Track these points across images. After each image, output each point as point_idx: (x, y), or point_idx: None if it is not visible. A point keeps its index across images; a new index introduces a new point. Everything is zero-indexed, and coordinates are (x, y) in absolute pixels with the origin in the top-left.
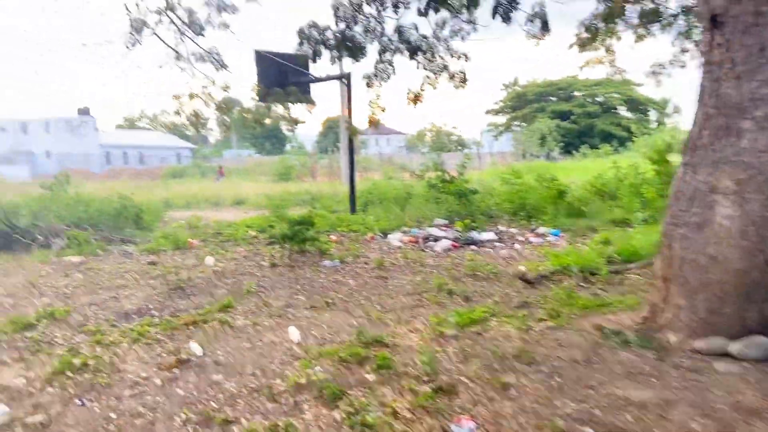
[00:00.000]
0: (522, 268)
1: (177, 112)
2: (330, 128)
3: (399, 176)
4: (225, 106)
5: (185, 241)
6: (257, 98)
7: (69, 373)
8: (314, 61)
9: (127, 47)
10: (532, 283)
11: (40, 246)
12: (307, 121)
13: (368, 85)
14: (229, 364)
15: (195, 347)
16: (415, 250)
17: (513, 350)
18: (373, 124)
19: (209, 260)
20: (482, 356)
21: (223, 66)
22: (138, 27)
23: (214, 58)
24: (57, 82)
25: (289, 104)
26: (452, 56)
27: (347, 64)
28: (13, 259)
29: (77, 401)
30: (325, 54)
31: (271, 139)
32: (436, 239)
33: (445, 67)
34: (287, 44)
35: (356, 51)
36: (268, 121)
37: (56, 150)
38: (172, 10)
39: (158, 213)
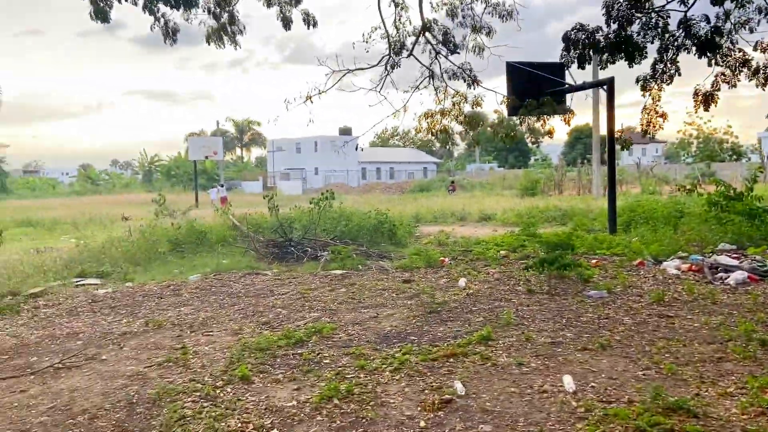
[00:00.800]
0: None
1: (428, 130)
2: (578, 139)
3: (660, 190)
4: (473, 122)
5: (437, 259)
6: (508, 111)
7: (336, 401)
8: (582, 67)
9: (387, 70)
10: None
11: (309, 258)
12: (556, 132)
13: (644, 88)
14: (497, 412)
15: (459, 387)
16: (699, 282)
17: None
18: (648, 133)
19: (462, 282)
20: None
21: (476, 81)
22: (397, 49)
23: (466, 74)
24: (320, 104)
25: (544, 116)
26: (756, 49)
27: (603, 69)
28: (287, 269)
29: None
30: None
31: (514, 152)
32: (726, 269)
33: (746, 62)
34: (538, 54)
35: (633, 52)
36: (518, 134)
37: (323, 167)
38: (429, 30)
39: (410, 228)
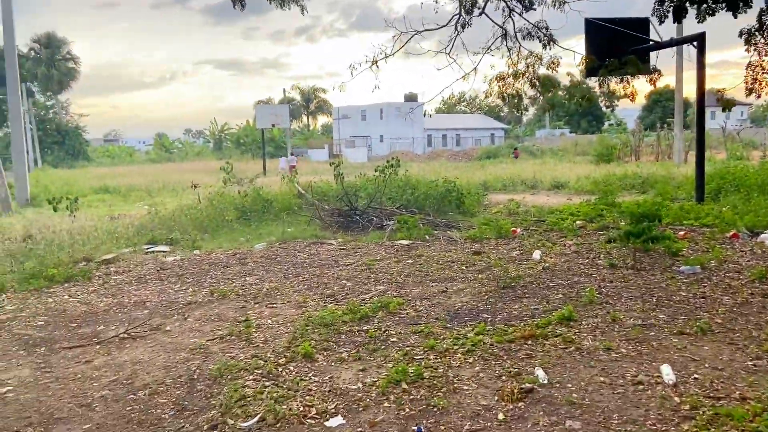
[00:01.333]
0: None
1: (499, 94)
2: (656, 102)
3: (747, 155)
4: (548, 84)
5: (508, 230)
6: (585, 72)
7: (404, 385)
8: (678, 20)
9: (457, 30)
10: None
11: (374, 227)
12: (638, 95)
13: (748, 42)
14: (585, 406)
15: (541, 374)
16: None
17: None
18: (754, 92)
19: (536, 254)
20: None
21: (552, 41)
22: (468, 7)
23: (542, 33)
24: (386, 70)
25: (627, 76)
26: None
27: (701, 22)
28: (352, 238)
29: (414, 429)
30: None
31: (587, 117)
32: None
33: None
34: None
35: (738, 1)
36: (595, 98)
37: (388, 134)
38: None
39: (478, 197)
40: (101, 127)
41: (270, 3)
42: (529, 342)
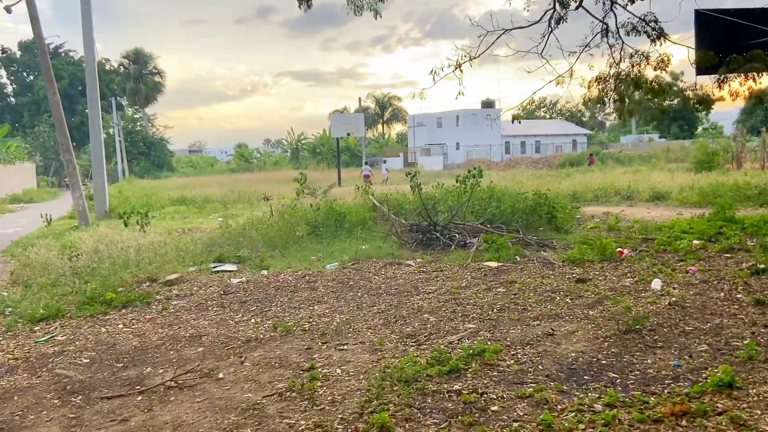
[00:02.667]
0: None
1: (598, 99)
2: (757, 104)
3: None
4: (658, 87)
5: (613, 251)
6: (698, 70)
7: None
8: None
9: (551, 27)
10: None
11: (457, 246)
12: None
13: None
14: None
15: None
16: None
17: None
18: None
19: (656, 284)
20: None
21: (662, 36)
22: (564, 0)
23: (650, 27)
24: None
25: (753, 73)
26: None
27: None
28: (433, 258)
29: None
30: None
31: (678, 121)
32: None
33: None
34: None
35: None
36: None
37: (464, 141)
38: None
39: (572, 210)
40: (187, 139)
41: (348, 10)
42: (683, 422)
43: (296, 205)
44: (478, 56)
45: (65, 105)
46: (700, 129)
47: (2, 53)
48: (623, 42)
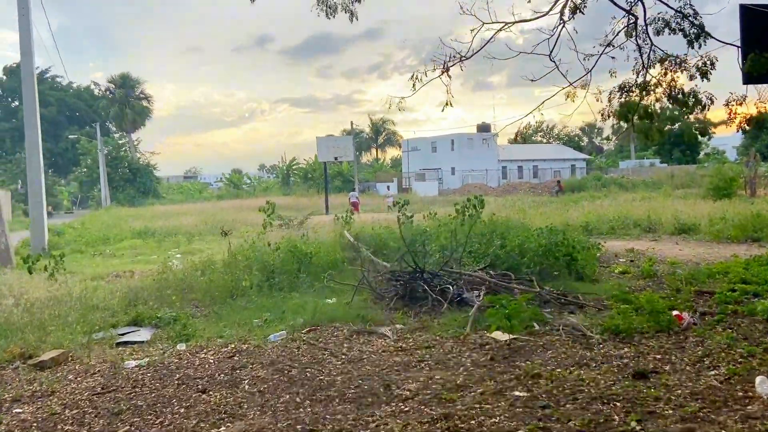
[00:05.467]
0: None
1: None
2: (761, 127)
3: None
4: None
5: (668, 316)
6: (745, 77)
7: None
8: None
9: (561, 19)
10: None
11: (451, 303)
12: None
13: None
14: None
15: None
16: None
17: None
18: None
19: (763, 385)
20: None
21: (704, 34)
22: None
23: (688, 22)
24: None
25: None
26: None
27: None
28: (417, 322)
29: None
30: None
31: (680, 146)
32: None
33: None
34: None
35: None
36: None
37: (460, 166)
38: None
39: (593, 250)
40: (184, 165)
41: (318, 12)
42: None
43: (256, 242)
44: (471, 57)
45: (50, 131)
46: (702, 154)
47: None
48: (652, 43)
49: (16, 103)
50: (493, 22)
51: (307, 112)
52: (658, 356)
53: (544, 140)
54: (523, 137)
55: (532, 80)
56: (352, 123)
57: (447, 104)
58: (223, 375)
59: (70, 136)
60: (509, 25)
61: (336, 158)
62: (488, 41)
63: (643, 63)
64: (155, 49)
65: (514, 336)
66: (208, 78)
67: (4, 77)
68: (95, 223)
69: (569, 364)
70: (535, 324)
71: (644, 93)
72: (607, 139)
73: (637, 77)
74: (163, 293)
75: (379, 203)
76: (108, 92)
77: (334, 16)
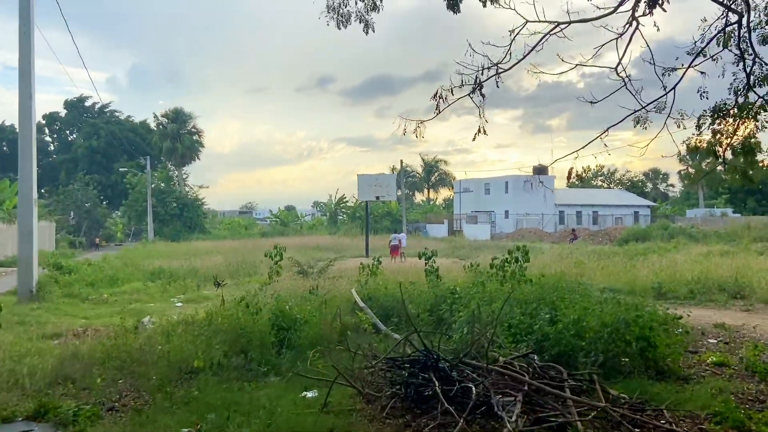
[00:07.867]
0: None
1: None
2: None
3: None
4: None
5: None
6: None
7: None
8: None
9: (633, 17)
10: None
11: (472, 412)
12: None
13: None
14: None
15: None
16: None
17: None
18: None
19: None
20: None
21: None
22: None
23: None
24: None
25: None
26: None
27: None
28: None
29: None
30: None
31: (755, 195)
32: None
33: None
34: None
35: None
36: None
37: (514, 210)
38: None
39: (679, 336)
40: (243, 200)
41: (327, 21)
42: None
43: (247, 298)
44: (518, 63)
45: (103, 162)
46: None
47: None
48: (756, 54)
49: (74, 135)
50: (539, 21)
51: (364, 151)
52: None
53: (605, 185)
54: (579, 177)
55: (592, 102)
56: (402, 161)
57: (480, 131)
58: None
59: (121, 169)
60: (562, 26)
61: (377, 197)
62: (533, 48)
63: (747, 78)
64: (224, 89)
65: None
66: (271, 117)
67: (65, 111)
68: (119, 259)
69: None
70: None
71: (746, 118)
72: (673, 185)
73: (737, 98)
74: (95, 369)
75: (423, 244)
76: (161, 126)
77: (346, 27)
